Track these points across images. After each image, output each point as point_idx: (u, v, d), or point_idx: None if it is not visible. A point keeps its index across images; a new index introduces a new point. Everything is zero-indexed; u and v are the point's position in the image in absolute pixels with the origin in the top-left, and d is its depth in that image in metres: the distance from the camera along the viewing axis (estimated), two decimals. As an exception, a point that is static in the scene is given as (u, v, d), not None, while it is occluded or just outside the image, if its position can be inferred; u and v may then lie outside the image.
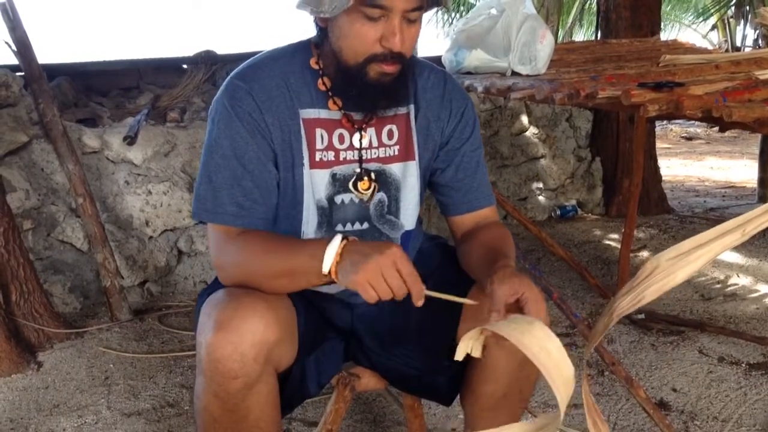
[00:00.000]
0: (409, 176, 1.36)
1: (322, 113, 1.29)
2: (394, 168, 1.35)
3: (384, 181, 1.35)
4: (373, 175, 1.33)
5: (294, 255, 1.17)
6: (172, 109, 3.46)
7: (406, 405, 1.59)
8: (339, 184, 1.32)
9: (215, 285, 1.31)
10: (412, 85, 1.34)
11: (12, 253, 2.53)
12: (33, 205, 2.93)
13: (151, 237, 3.16)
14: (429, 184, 1.43)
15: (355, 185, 1.32)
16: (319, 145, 1.30)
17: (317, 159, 1.30)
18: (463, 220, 1.40)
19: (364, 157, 1.33)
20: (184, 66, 3.81)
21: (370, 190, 1.34)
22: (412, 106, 1.35)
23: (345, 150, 1.32)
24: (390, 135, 1.34)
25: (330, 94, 1.29)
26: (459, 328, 1.30)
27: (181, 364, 2.45)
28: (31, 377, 2.37)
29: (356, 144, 1.32)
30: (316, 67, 1.29)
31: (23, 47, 2.86)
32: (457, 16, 11.65)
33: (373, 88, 1.22)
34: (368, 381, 1.45)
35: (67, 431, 2.03)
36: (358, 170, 1.32)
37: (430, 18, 12.55)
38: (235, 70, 1.29)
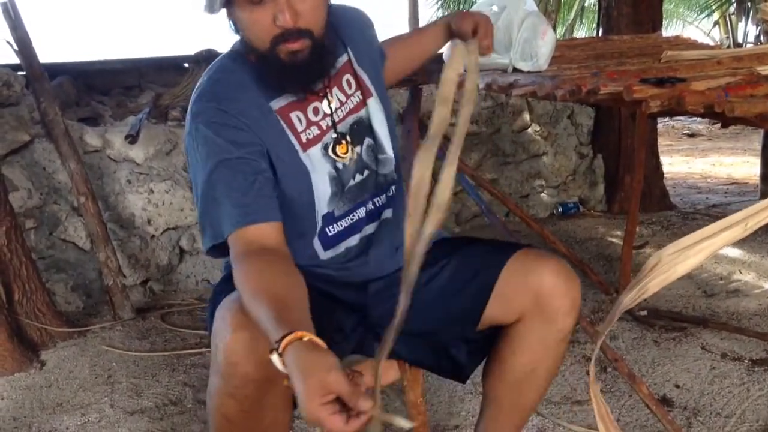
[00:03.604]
0: (375, 112, 1.38)
1: (289, 97, 1.30)
2: (363, 112, 1.38)
3: (364, 128, 1.37)
4: (348, 137, 1.34)
5: (264, 319, 1.05)
6: (174, 107, 3.46)
7: (409, 401, 1.59)
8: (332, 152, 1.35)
9: (225, 284, 1.30)
10: (340, 34, 1.38)
11: (14, 252, 2.54)
12: (35, 204, 2.93)
13: (153, 236, 3.17)
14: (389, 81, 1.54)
15: (334, 151, 1.33)
16: (299, 127, 1.30)
17: (304, 140, 1.30)
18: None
19: (338, 119, 1.34)
20: (186, 65, 3.81)
21: (348, 153, 1.34)
22: (347, 52, 1.39)
23: (322, 119, 1.33)
24: (349, 84, 1.38)
25: None
26: (491, 296, 1.33)
27: (184, 362, 2.45)
28: (34, 376, 2.38)
29: (327, 110, 1.33)
30: (254, 60, 1.28)
31: (24, 47, 2.86)
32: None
33: (290, 68, 1.21)
34: (370, 378, 1.45)
35: (70, 429, 2.03)
36: (334, 135, 1.33)
37: (432, 15, 12.57)
38: (193, 99, 1.28)
